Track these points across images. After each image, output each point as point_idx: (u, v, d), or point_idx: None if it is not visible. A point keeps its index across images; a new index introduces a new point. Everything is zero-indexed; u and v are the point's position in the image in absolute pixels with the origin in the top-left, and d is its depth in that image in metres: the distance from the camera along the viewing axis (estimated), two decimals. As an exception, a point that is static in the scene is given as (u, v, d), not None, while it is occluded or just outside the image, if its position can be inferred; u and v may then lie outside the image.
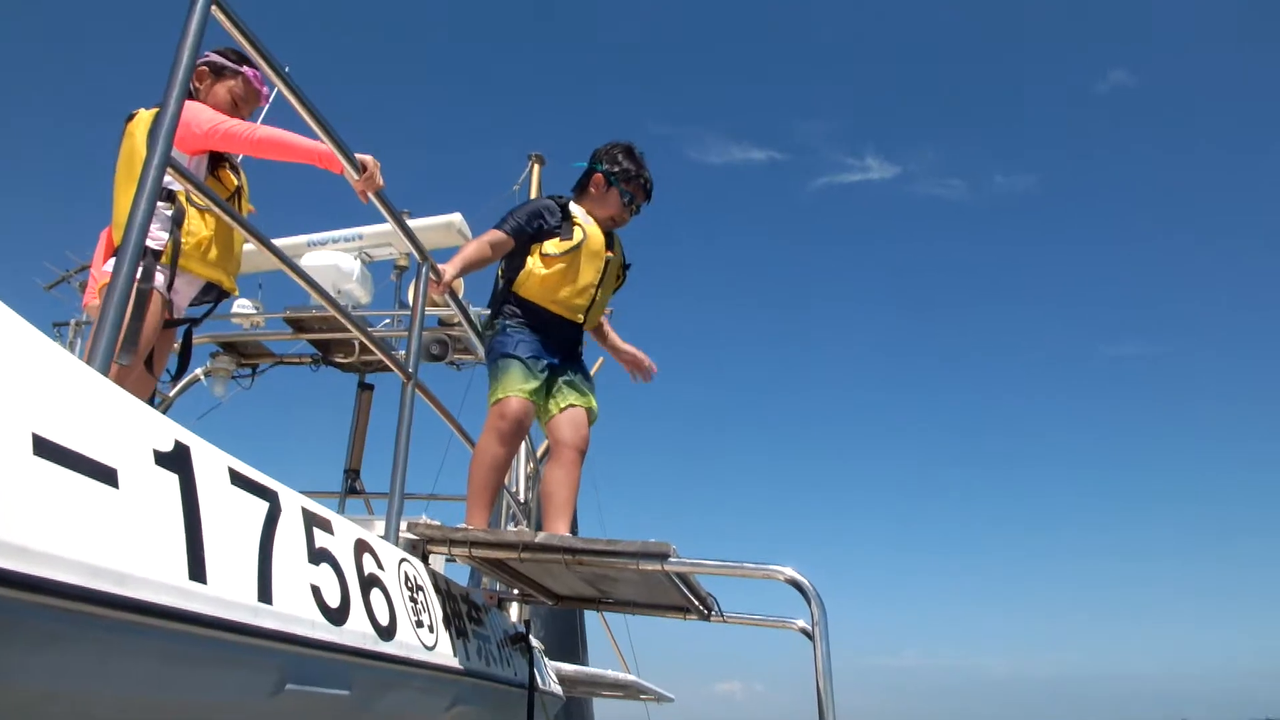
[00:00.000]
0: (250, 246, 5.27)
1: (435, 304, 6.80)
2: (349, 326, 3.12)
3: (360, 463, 7.94)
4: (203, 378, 7.73)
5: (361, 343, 7.65)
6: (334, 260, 7.15)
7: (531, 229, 3.92)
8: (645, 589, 3.40)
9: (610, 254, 4.10)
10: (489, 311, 4.06)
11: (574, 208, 4.04)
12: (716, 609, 3.60)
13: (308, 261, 7.10)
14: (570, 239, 3.93)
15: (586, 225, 4.00)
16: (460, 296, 7.26)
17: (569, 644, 12.68)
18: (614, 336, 4.40)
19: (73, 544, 1.26)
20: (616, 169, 4.10)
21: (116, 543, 1.36)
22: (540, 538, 2.89)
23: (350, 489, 7.77)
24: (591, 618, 14.00)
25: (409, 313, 7.41)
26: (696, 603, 3.46)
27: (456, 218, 7.37)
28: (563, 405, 3.84)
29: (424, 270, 3.66)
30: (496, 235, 3.89)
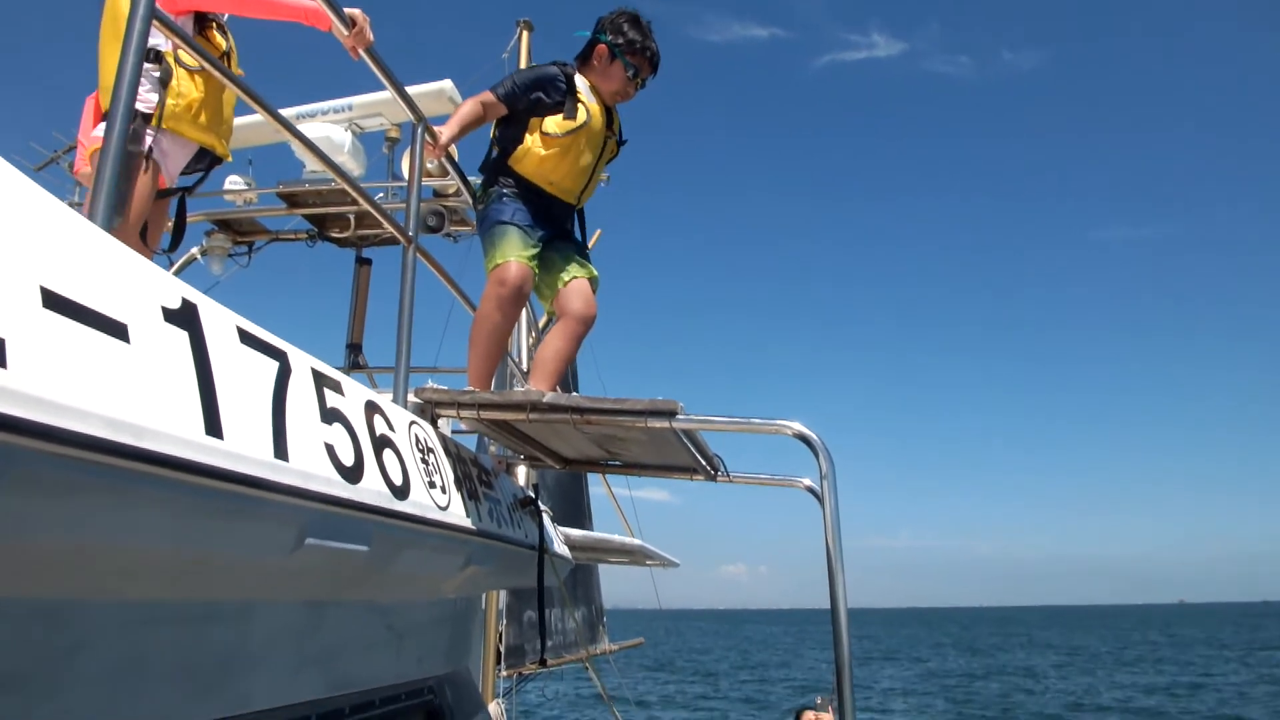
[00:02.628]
0: (240, 120, 5.16)
1: (430, 173, 6.72)
2: (346, 187, 3.07)
3: (361, 337, 7.96)
4: (199, 256, 7.69)
5: (357, 216, 7.63)
6: (325, 132, 7.03)
7: (529, 99, 3.83)
8: (653, 449, 3.43)
9: (609, 133, 4.02)
10: (481, 179, 4.00)
11: (579, 81, 3.92)
12: (723, 469, 3.65)
13: (298, 134, 6.97)
14: (574, 119, 3.83)
15: (590, 104, 3.90)
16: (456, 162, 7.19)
17: (574, 515, 12.94)
18: None
19: (88, 396, 1.26)
20: (621, 40, 3.95)
21: (131, 396, 1.35)
22: (548, 398, 2.90)
23: (353, 363, 7.81)
24: (596, 493, 14.27)
25: (401, 184, 7.32)
26: (704, 462, 3.50)
27: (448, 84, 7.19)
28: (566, 279, 3.82)
29: (419, 132, 3.58)
30: (489, 96, 3.81)
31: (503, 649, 10.46)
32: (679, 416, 2.79)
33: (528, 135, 3.82)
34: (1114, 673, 41.51)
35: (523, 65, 11.62)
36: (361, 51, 3.30)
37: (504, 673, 10.60)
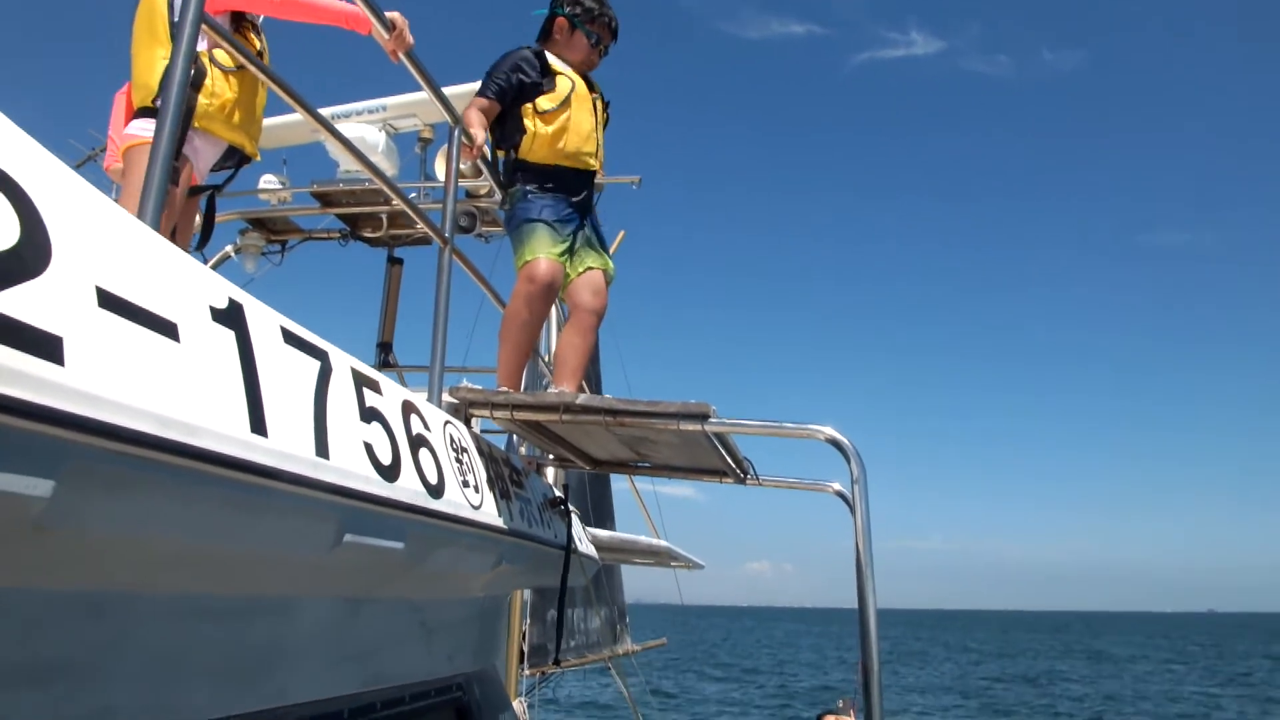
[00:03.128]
0: (274, 120, 5.21)
1: (464, 174, 6.75)
2: (384, 189, 3.11)
3: (392, 336, 8.01)
4: (233, 254, 7.75)
5: (390, 216, 7.68)
6: (359, 133, 7.06)
7: (514, 85, 3.91)
8: (683, 451, 3.44)
9: (594, 94, 4.11)
10: (500, 188, 4.05)
11: (550, 57, 4.02)
12: (753, 472, 3.65)
13: (332, 135, 7.02)
14: (556, 89, 3.92)
15: (567, 72, 4.00)
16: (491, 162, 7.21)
17: (597, 514, 12.94)
18: None
19: (142, 394, 1.29)
20: (579, 10, 4.07)
21: (181, 394, 1.38)
22: (581, 399, 2.91)
23: (384, 362, 7.85)
24: (619, 493, 14.27)
25: (435, 185, 7.36)
26: (734, 465, 3.50)
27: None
28: (580, 269, 3.86)
29: (456, 134, 3.61)
30: (484, 103, 3.88)
31: (526, 648, 10.49)
32: (712, 420, 2.81)
33: (527, 123, 3.89)
34: (1144, 680, 41.21)
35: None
36: (401, 55, 3.33)
37: (527, 672, 10.63)
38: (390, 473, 2.13)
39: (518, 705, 9.54)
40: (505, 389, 3.42)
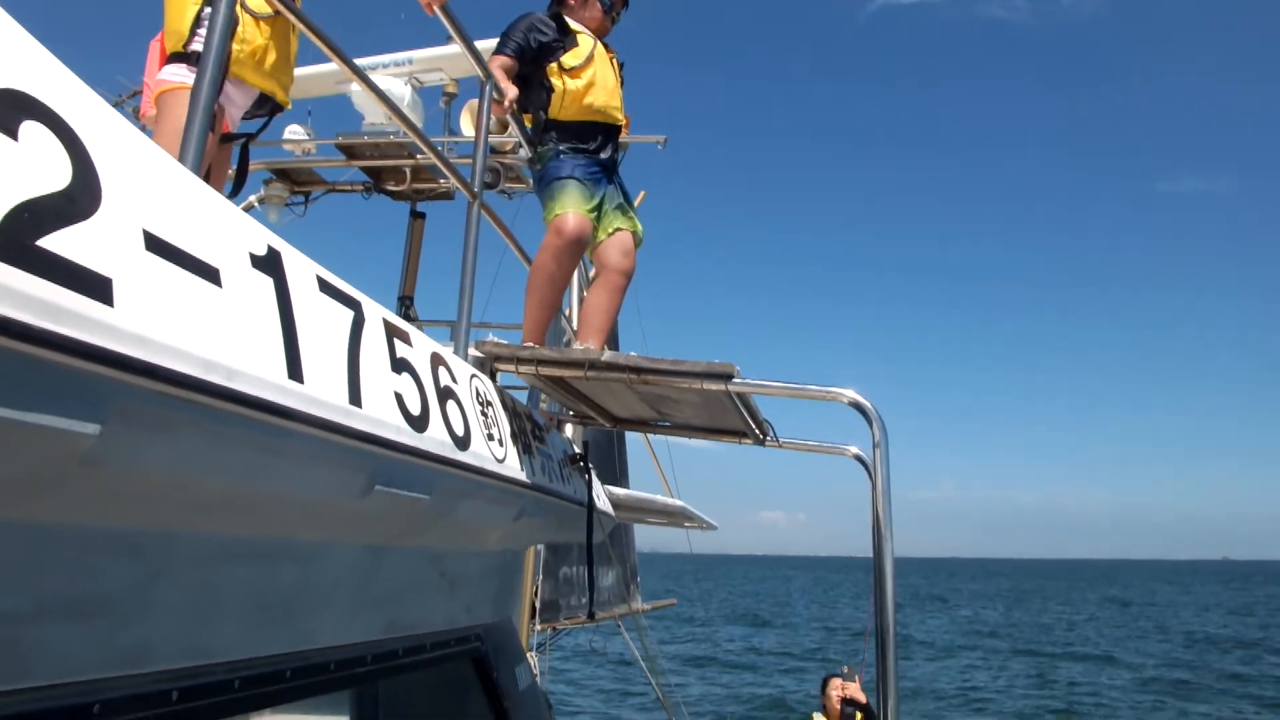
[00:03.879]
0: (301, 71, 5.19)
1: (491, 130, 6.75)
2: (416, 141, 3.12)
3: (414, 290, 8.03)
4: (256, 204, 7.77)
5: (413, 170, 7.67)
6: (385, 85, 7.03)
7: (533, 45, 3.95)
8: (704, 411, 3.46)
9: (610, 54, 4.17)
10: (530, 145, 4.08)
11: (567, 19, 4.07)
12: (773, 434, 3.67)
13: (356, 88, 7.01)
14: (579, 46, 3.98)
15: (585, 31, 4.06)
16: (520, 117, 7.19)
17: (610, 472, 13.01)
18: None
19: (187, 337, 1.31)
20: None
21: (224, 338, 1.40)
22: (606, 356, 2.93)
23: (405, 316, 7.87)
24: (633, 448, 14.32)
25: (460, 140, 7.34)
26: (754, 426, 3.52)
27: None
28: (610, 230, 3.89)
29: (487, 88, 3.60)
30: (504, 61, 3.90)
31: (538, 604, 10.61)
32: (735, 380, 2.82)
33: (554, 81, 3.94)
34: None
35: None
36: (436, 8, 3.32)
37: (538, 627, 10.75)
38: (419, 423, 2.15)
39: (530, 658, 9.68)
40: (530, 344, 3.44)
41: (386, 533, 2.32)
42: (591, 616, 8.16)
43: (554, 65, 3.92)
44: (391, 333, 2.20)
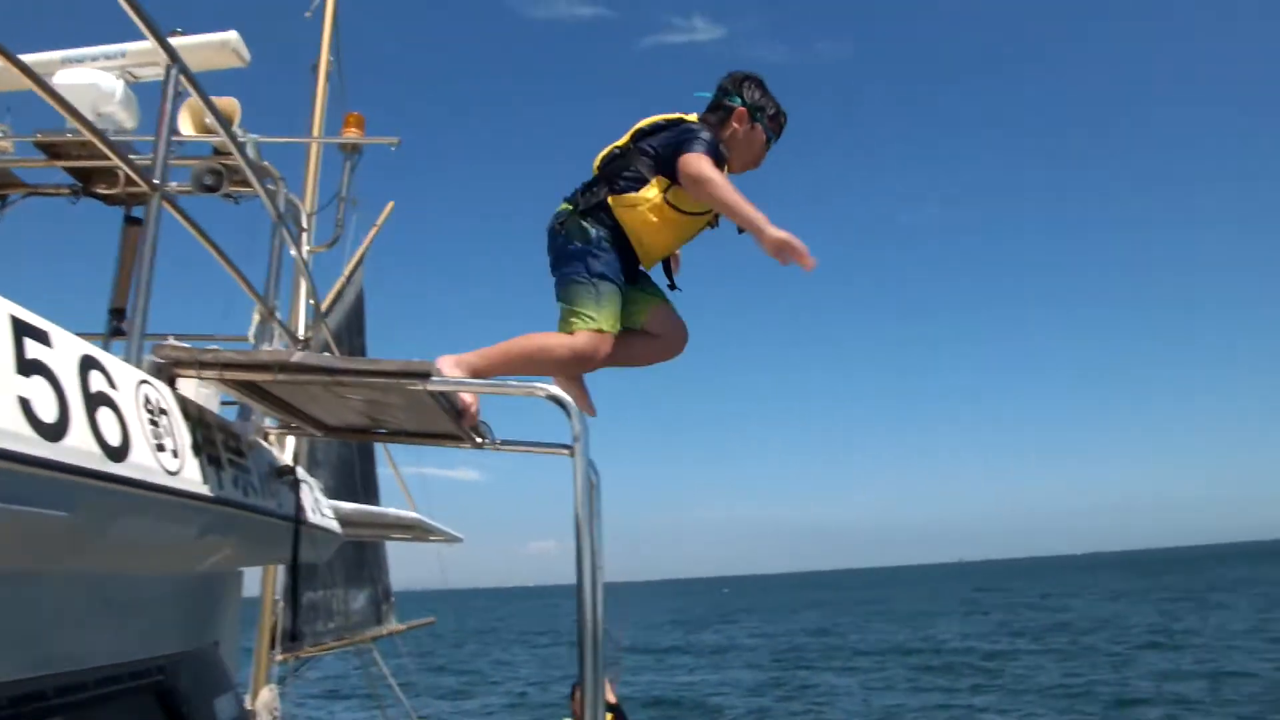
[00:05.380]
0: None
1: (208, 128, 6.32)
2: (79, 126, 2.81)
3: (126, 301, 7.44)
4: (-66, 208, 6.98)
5: (127, 174, 7.09)
6: (93, 79, 6.48)
7: (719, 158, 3.45)
8: (416, 416, 3.32)
9: (711, 215, 3.63)
10: (576, 206, 3.57)
11: (722, 149, 3.53)
12: (490, 437, 3.57)
13: (61, 80, 6.41)
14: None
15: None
16: (236, 125, 6.74)
17: (359, 493, 12.56)
18: None
19: None
20: (765, 104, 3.64)
21: None
22: (297, 357, 2.74)
23: (115, 330, 7.28)
24: (386, 472, 13.89)
25: (184, 139, 6.85)
26: (466, 428, 3.41)
27: (233, 36, 6.77)
28: (646, 310, 3.67)
29: (173, 74, 3.33)
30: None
31: (278, 632, 10.05)
32: (434, 379, 2.71)
33: (650, 190, 3.46)
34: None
35: (328, 26, 10.97)
36: None
37: (279, 657, 10.18)
38: (53, 431, 1.91)
39: (267, 692, 9.12)
40: (216, 349, 3.19)
41: (20, 557, 2.05)
42: (294, 639, 7.77)
43: (664, 179, 3.44)
44: (21, 331, 1.95)
